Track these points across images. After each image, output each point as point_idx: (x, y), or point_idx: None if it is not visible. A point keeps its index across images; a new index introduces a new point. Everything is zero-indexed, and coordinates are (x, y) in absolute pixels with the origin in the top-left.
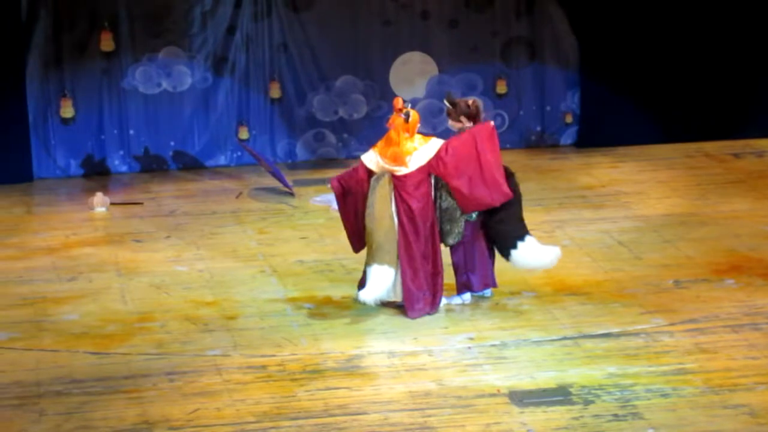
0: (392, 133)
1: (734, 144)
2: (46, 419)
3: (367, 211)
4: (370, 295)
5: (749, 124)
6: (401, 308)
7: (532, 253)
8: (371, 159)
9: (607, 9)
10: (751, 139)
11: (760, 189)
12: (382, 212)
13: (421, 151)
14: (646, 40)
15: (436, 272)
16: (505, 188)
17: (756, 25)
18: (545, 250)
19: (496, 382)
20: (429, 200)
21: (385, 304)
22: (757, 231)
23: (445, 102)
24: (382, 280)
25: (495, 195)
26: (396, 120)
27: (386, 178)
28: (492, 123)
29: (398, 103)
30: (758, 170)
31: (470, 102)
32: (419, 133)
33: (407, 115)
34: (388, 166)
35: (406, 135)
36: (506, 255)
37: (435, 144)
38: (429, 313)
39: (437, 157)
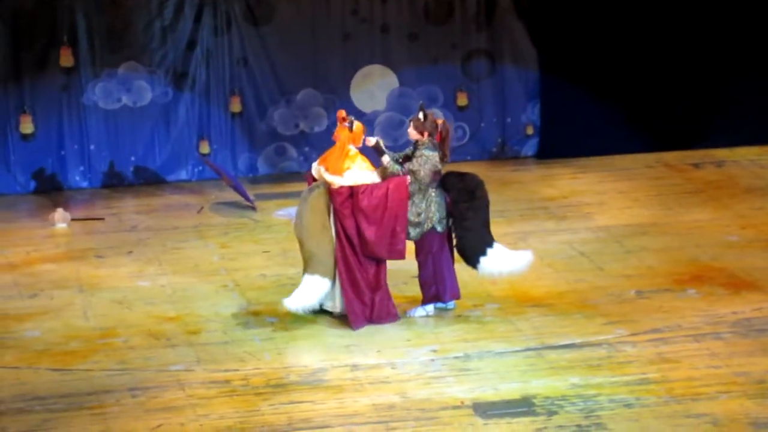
0: (338, 145)
1: (694, 154)
2: None
3: (295, 221)
4: (295, 303)
5: (709, 135)
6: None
7: (503, 259)
8: (315, 169)
9: (567, 21)
10: (711, 149)
11: (720, 199)
12: (313, 222)
13: (356, 172)
14: (606, 51)
15: (378, 286)
16: (401, 246)
17: (714, 36)
18: (515, 255)
19: (460, 394)
20: None
21: (316, 312)
22: (717, 240)
23: (419, 111)
24: (313, 290)
25: (391, 249)
26: (342, 132)
27: (321, 190)
28: (408, 180)
29: (341, 114)
30: (718, 180)
31: (440, 122)
32: (368, 158)
33: (351, 124)
34: (325, 176)
35: (351, 146)
36: (475, 263)
37: (368, 177)
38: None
39: (358, 191)
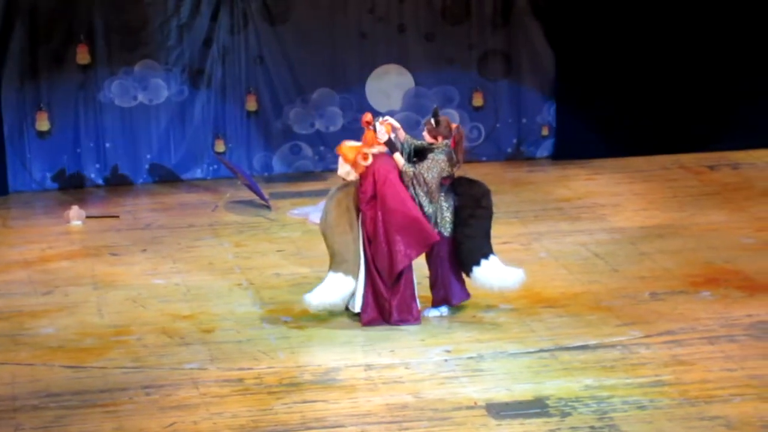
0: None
1: (710, 156)
2: None
3: (321, 218)
4: (315, 298)
5: (724, 137)
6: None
7: (495, 273)
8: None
9: (584, 22)
10: (727, 152)
11: (736, 201)
12: (339, 220)
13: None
14: (622, 53)
15: (397, 289)
16: (430, 230)
17: (729, 38)
18: (508, 271)
19: (474, 394)
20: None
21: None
22: (733, 243)
23: (432, 117)
24: (336, 288)
25: (424, 237)
26: (368, 135)
27: (350, 189)
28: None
29: (365, 117)
30: (734, 182)
31: (454, 126)
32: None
33: (375, 128)
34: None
35: (376, 148)
36: (468, 271)
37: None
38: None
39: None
